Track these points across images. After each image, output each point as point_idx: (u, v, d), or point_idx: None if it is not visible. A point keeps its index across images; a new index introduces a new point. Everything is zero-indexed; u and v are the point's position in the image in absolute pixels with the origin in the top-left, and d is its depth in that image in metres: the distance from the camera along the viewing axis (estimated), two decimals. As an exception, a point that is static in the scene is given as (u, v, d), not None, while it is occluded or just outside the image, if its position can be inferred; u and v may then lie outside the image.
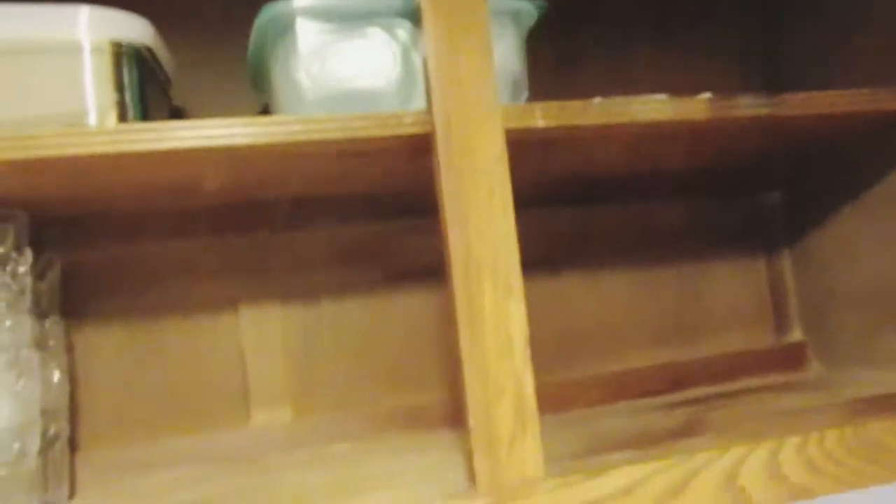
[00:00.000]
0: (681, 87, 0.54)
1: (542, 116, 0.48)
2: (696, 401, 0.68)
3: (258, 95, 0.63)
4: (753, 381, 0.75)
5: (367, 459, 0.58)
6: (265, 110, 0.64)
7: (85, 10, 0.47)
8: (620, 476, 0.46)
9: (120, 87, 0.48)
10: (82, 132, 0.43)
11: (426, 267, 0.69)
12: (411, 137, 0.47)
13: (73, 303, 0.62)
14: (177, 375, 0.64)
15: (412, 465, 0.55)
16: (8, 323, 0.48)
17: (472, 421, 0.45)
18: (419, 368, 0.69)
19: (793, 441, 0.50)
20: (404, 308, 0.69)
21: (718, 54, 0.79)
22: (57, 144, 0.42)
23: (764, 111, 0.53)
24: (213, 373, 0.65)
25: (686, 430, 0.56)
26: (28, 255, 0.50)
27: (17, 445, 0.48)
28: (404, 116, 0.47)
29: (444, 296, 0.70)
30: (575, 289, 0.74)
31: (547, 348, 0.73)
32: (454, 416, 0.68)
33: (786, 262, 0.80)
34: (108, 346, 0.63)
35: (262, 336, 0.66)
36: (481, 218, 0.45)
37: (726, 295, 0.78)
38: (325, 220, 0.67)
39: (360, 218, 0.68)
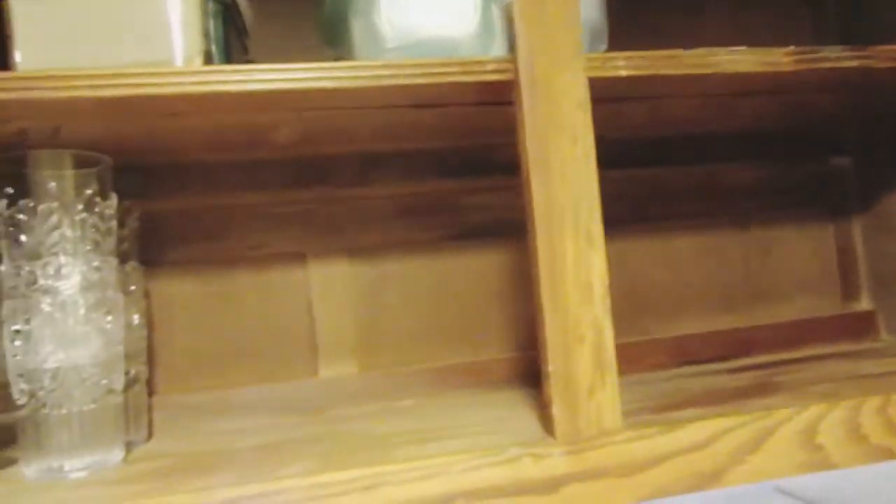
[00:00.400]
0: (751, 39, 0.53)
1: (625, 66, 0.48)
2: (763, 365, 0.67)
3: (330, 50, 0.63)
4: (820, 349, 0.74)
5: (433, 413, 0.59)
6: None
7: (172, -45, 0.47)
8: (697, 430, 0.46)
9: (206, 36, 0.49)
10: (172, 71, 0.43)
11: (491, 226, 0.69)
12: (493, 84, 0.47)
13: (148, 251, 0.63)
14: (248, 325, 0.66)
15: (479, 418, 0.55)
16: (96, 263, 0.50)
17: (551, 367, 0.45)
18: (482, 326, 0.69)
19: (873, 402, 0.49)
20: (469, 266, 0.69)
21: (790, 9, 0.77)
22: (147, 83, 0.43)
23: (853, 63, 0.51)
24: (283, 324, 0.66)
25: (758, 391, 0.56)
26: (113, 198, 0.51)
27: (104, 382, 0.49)
28: (487, 63, 0.46)
29: (508, 254, 0.70)
30: (639, 252, 0.74)
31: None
32: (517, 373, 0.69)
33: (856, 228, 0.78)
34: (181, 294, 0.65)
35: (330, 290, 0.67)
36: (564, 165, 0.45)
37: (793, 261, 0.77)
38: (393, 177, 0.67)
39: (427, 176, 0.68)
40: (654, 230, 0.74)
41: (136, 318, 0.57)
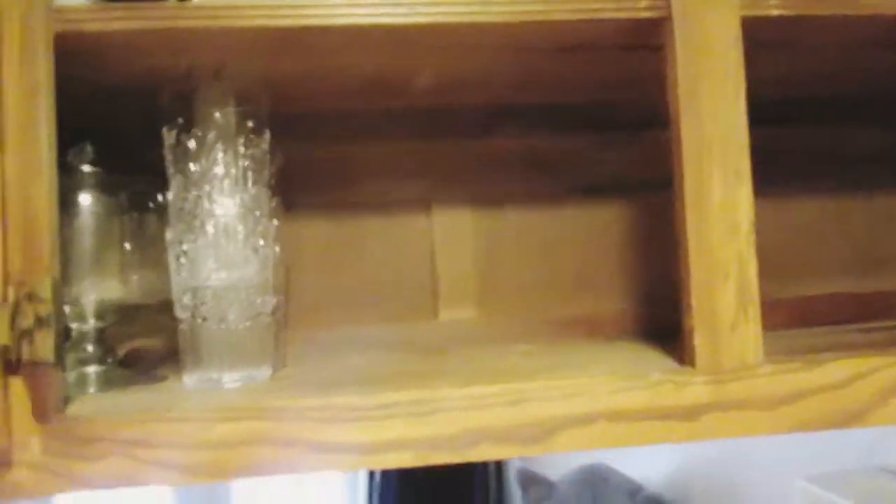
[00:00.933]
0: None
1: (777, 5, 0.48)
2: (889, 328, 0.66)
3: None
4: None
5: (553, 355, 0.60)
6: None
7: None
8: (841, 368, 0.46)
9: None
10: (341, 3, 0.46)
11: (613, 181, 0.70)
12: (644, 22, 0.47)
13: (283, 194, 0.66)
14: (373, 268, 0.68)
15: (606, 357, 0.56)
16: (253, 192, 0.53)
17: (694, 301, 0.46)
18: (599, 280, 0.70)
19: None
20: (588, 221, 0.70)
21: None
22: (318, 14, 0.46)
23: None
24: (406, 268, 0.69)
25: (893, 343, 0.55)
26: (267, 134, 0.55)
27: (258, 302, 0.53)
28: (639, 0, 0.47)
29: (628, 210, 0.70)
30: (759, 211, 0.73)
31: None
32: (632, 328, 0.69)
33: None
34: (312, 237, 0.68)
35: (452, 238, 0.69)
36: (715, 102, 0.46)
37: (921, 229, 0.75)
38: (519, 130, 0.68)
39: (554, 129, 0.69)
40: (774, 192, 0.73)
41: (277, 250, 0.60)
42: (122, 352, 0.62)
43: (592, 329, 0.69)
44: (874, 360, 0.46)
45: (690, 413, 0.45)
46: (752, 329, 0.46)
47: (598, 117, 0.68)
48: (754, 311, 0.46)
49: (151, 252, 0.57)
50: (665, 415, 0.45)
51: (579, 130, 0.69)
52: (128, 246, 0.56)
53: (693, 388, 0.45)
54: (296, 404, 0.43)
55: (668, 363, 0.50)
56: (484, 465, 2.89)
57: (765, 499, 1.13)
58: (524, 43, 0.51)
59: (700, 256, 0.46)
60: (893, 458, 0.88)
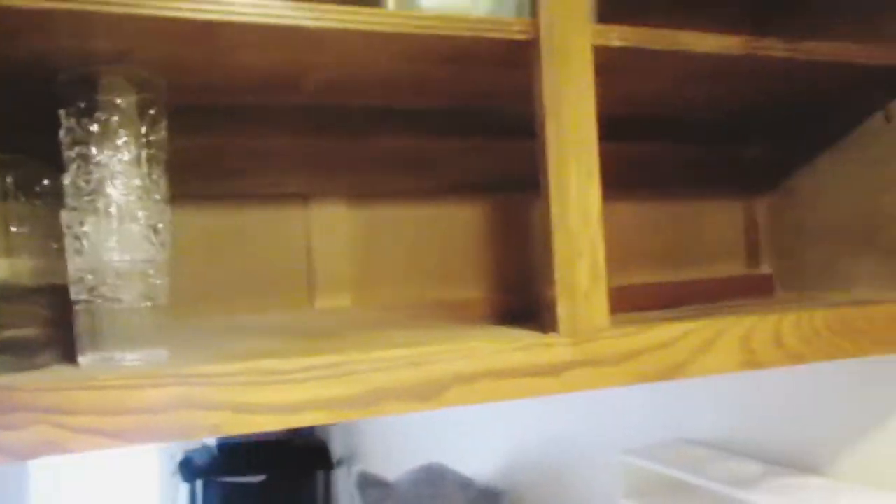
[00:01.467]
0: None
1: (618, 38, 0.59)
2: (692, 310, 0.80)
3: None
4: (733, 303, 0.88)
5: (427, 335, 0.67)
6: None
7: None
8: (667, 330, 0.58)
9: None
10: (246, 2, 0.50)
11: (478, 182, 0.79)
12: (515, 42, 0.56)
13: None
14: (250, 259, 0.72)
15: (473, 335, 0.64)
16: (154, 176, 0.55)
17: (557, 275, 0.55)
18: (463, 270, 0.78)
19: (791, 317, 0.62)
20: (454, 216, 0.78)
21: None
22: (220, 10, 0.49)
23: (793, 53, 0.65)
24: (283, 260, 0.73)
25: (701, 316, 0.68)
26: (165, 120, 0.57)
27: (158, 283, 0.55)
28: (513, 23, 0.56)
29: (490, 207, 0.79)
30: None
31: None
32: (493, 312, 0.78)
33: (762, 204, 0.93)
34: (193, 226, 0.70)
35: (329, 230, 0.74)
36: (572, 111, 0.56)
37: (712, 230, 0.91)
38: (396, 132, 0.75)
39: (427, 131, 0.76)
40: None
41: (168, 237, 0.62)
42: (-3, 339, 0.60)
43: (459, 314, 0.77)
44: (690, 324, 0.58)
45: (556, 370, 0.54)
46: (601, 299, 0.56)
47: (467, 123, 0.77)
48: (602, 285, 0.56)
49: (36, 236, 0.57)
50: (535, 372, 0.53)
51: (449, 133, 0.77)
52: (14, 228, 0.55)
53: (558, 348, 0.54)
54: (220, 370, 0.46)
55: (530, 335, 0.59)
56: (312, 474, 2.89)
57: (588, 476, 1.27)
58: (414, 52, 0.58)
59: (561, 239, 0.55)
60: (693, 430, 1.05)
